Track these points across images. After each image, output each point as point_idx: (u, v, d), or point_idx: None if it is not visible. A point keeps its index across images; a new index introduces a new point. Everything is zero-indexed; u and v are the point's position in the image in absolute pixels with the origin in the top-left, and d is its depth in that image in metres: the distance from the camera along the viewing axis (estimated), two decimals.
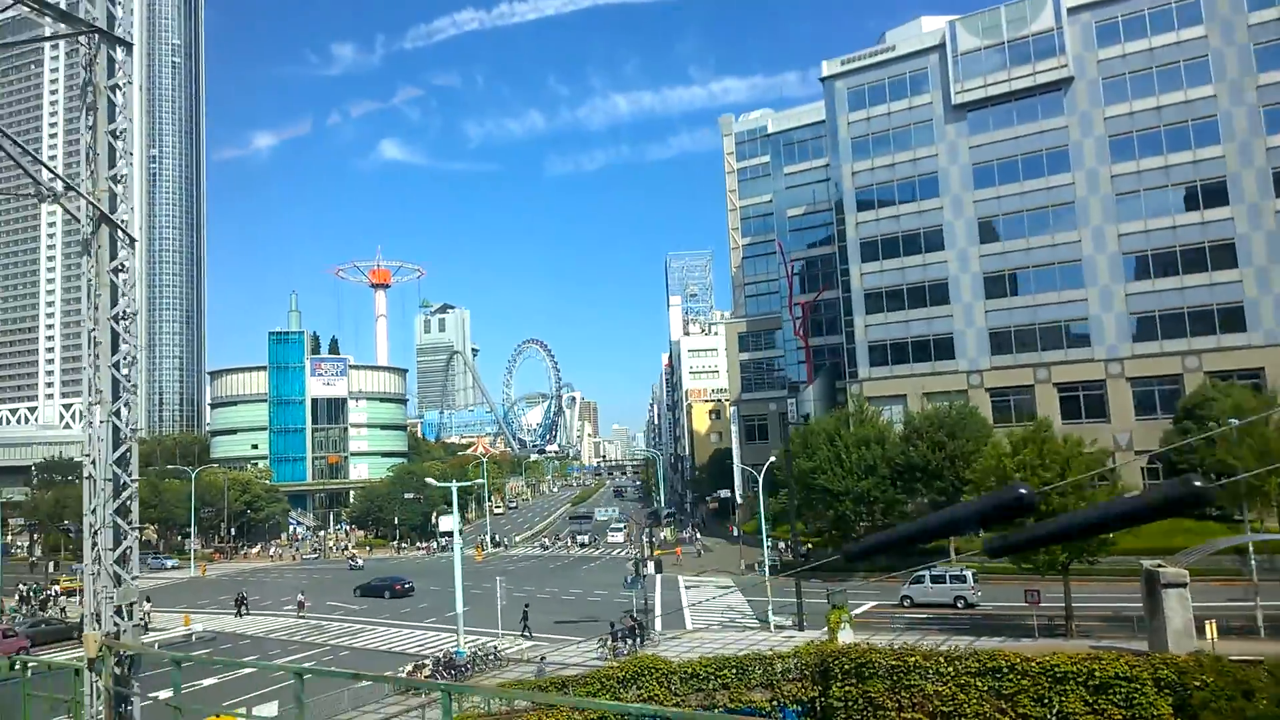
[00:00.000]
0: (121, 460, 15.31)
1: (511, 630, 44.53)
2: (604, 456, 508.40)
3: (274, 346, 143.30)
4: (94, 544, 14.74)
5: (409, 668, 34.91)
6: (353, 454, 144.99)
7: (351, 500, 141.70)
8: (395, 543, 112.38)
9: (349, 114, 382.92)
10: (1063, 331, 65.75)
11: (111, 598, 14.54)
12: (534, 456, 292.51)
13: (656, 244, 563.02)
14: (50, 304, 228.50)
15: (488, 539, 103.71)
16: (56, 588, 75.13)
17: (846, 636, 33.39)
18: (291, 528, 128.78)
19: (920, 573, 47.48)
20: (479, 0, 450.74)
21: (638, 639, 39.62)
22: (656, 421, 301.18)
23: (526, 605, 46.65)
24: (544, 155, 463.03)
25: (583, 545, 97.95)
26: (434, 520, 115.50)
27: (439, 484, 69.00)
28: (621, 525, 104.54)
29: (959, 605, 46.42)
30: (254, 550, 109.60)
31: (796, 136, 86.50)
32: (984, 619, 44.10)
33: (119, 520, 15.01)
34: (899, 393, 70.14)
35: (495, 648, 40.26)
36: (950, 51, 69.75)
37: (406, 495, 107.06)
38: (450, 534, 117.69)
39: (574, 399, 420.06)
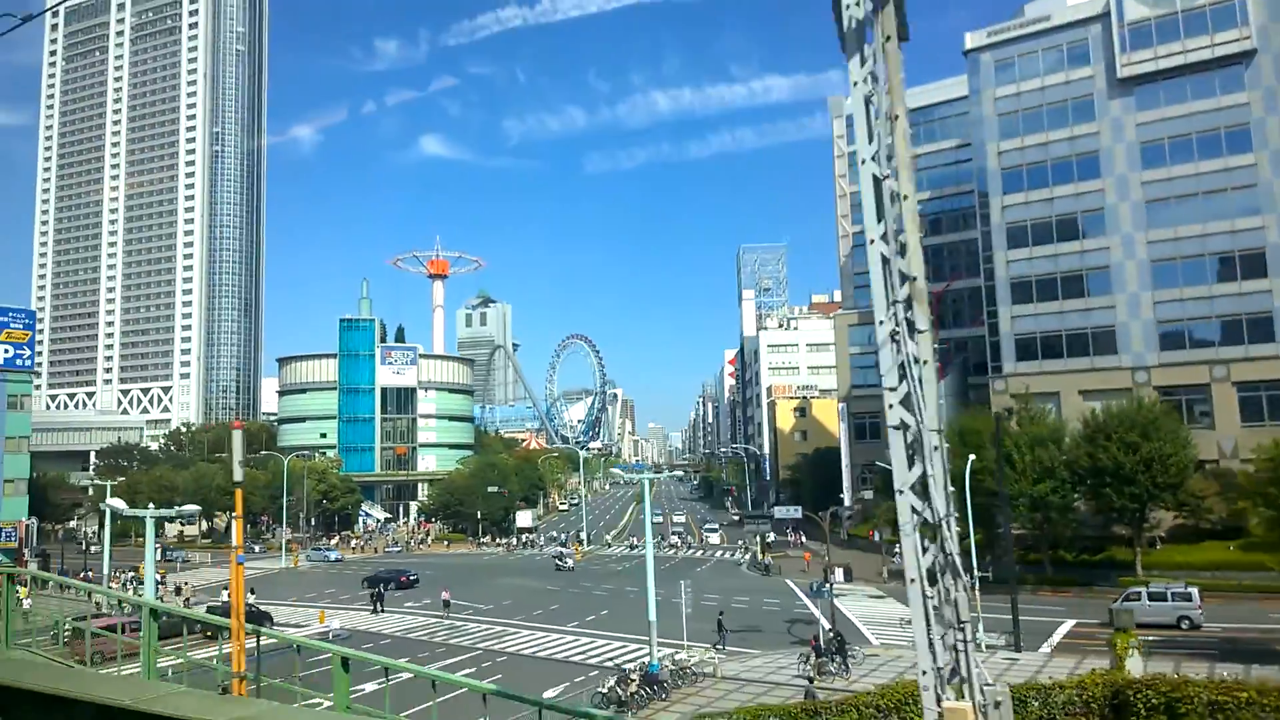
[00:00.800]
0: None
1: (699, 641, 39.98)
2: (641, 455, 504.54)
3: (344, 333, 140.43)
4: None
5: (611, 681, 30.54)
6: (421, 445, 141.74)
7: (423, 492, 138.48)
8: (475, 538, 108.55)
9: (390, 108, 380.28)
10: (1243, 326, 60.11)
11: None
12: (582, 454, 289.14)
13: (690, 241, 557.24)
14: (111, 290, 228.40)
15: (583, 537, 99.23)
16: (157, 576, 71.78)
17: (1136, 665, 28.46)
18: (362, 519, 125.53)
19: (1135, 590, 42.34)
20: None
21: (845, 657, 34.93)
22: (710, 419, 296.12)
23: (721, 614, 42.16)
24: (583, 152, 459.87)
25: (674, 546, 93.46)
26: (511, 516, 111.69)
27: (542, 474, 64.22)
28: (716, 526, 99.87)
29: (1182, 626, 41.22)
30: (333, 541, 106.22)
31: (920, 117, 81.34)
32: (1222, 642, 38.91)
33: None
34: (1050, 390, 64.82)
35: (685, 659, 35.80)
36: (1115, 21, 64.31)
37: (491, 488, 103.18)
38: (528, 530, 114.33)
39: (615, 396, 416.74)
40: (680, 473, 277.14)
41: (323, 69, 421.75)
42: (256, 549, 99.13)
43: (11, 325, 68.77)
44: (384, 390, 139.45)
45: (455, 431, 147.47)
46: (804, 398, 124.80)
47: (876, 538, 67.71)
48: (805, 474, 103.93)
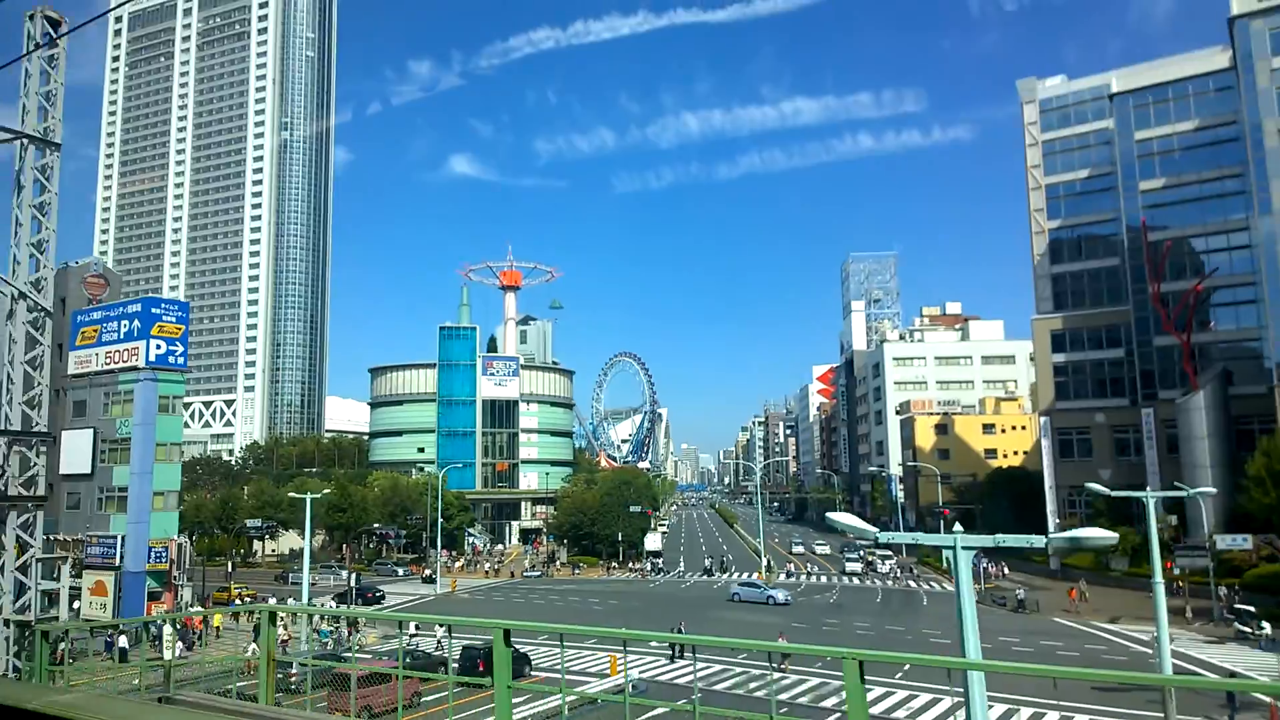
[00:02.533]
0: None
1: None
2: (679, 476, 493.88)
3: (444, 342, 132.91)
4: None
5: None
6: (523, 461, 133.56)
7: (526, 512, 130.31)
8: (606, 563, 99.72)
9: (421, 127, 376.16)
10: None
11: None
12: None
13: (722, 263, 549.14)
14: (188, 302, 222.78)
15: (764, 563, 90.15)
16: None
17: None
18: (470, 540, 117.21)
19: None
20: (556, 18, 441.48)
21: None
22: (779, 439, 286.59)
23: None
24: (613, 172, 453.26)
25: (854, 574, 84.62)
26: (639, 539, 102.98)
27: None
28: (860, 553, 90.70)
29: None
30: (458, 565, 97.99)
31: (1155, 95, 72.76)
32: None
33: None
34: None
35: None
36: None
37: (634, 508, 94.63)
38: (657, 554, 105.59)
39: (660, 415, 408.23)
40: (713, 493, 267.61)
41: (356, 90, 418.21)
42: (400, 572, 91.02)
43: (165, 318, 61.25)
44: (485, 402, 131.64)
45: (556, 447, 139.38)
46: (945, 414, 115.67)
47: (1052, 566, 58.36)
48: (974, 496, 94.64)
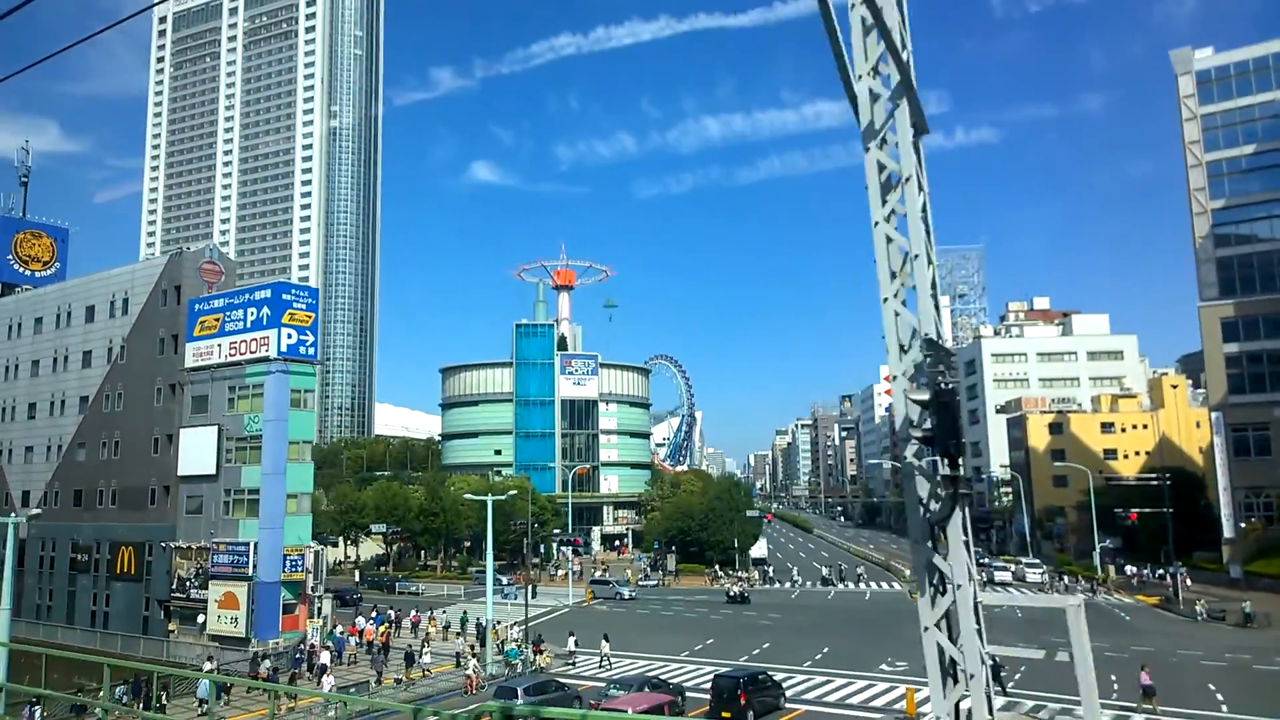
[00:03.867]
0: None
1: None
2: None
3: (520, 340, 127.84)
4: None
5: None
6: (603, 464, 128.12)
7: (608, 516, 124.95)
8: (711, 570, 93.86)
9: (442, 135, 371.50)
10: None
11: None
12: None
13: (742, 267, 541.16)
14: None
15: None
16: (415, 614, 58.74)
17: None
18: (557, 547, 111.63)
19: None
20: (577, 24, 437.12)
21: None
22: (830, 443, 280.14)
23: None
24: (633, 178, 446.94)
25: (1003, 585, 78.51)
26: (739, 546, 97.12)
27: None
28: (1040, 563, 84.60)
29: None
30: (561, 574, 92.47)
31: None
32: None
33: None
34: None
35: None
36: None
37: (750, 513, 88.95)
38: (762, 561, 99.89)
39: (696, 418, 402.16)
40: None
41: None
42: (504, 580, 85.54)
43: (295, 305, 56.22)
44: (563, 402, 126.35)
45: (635, 449, 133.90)
46: (1060, 412, 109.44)
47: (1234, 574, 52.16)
48: (1116, 499, 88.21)
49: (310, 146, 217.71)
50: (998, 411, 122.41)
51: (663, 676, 39.09)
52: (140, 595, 58.68)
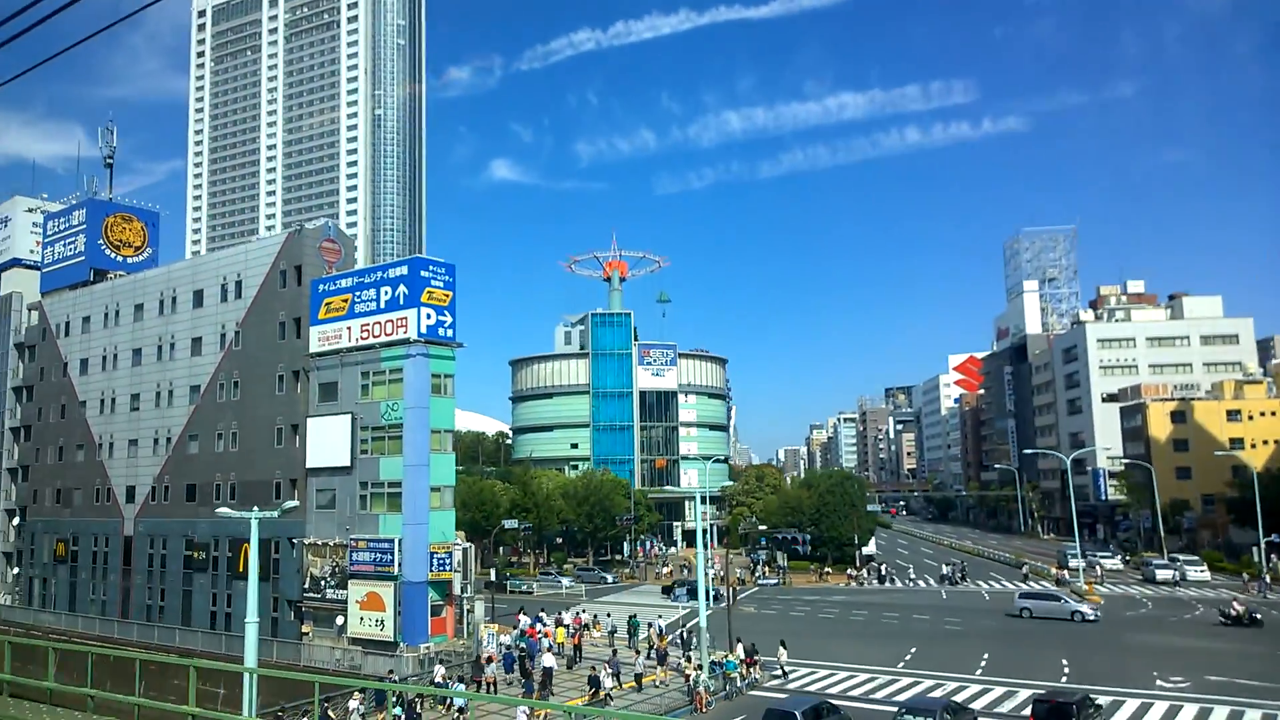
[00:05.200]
0: None
1: None
2: None
3: (595, 330, 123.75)
4: None
5: None
6: (683, 457, 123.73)
7: (689, 512, 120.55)
8: (818, 568, 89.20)
9: (462, 134, 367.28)
10: None
11: None
12: None
13: (760, 262, 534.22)
14: None
15: (1097, 566, 79.15)
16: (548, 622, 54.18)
17: None
18: (645, 544, 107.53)
19: None
20: (596, 20, 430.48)
21: None
22: (884, 436, 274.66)
23: None
24: (654, 173, 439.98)
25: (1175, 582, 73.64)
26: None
27: None
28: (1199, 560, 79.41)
29: None
30: (666, 570, 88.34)
31: None
32: None
33: None
34: None
35: None
36: None
37: (872, 508, 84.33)
38: (871, 558, 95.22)
39: (731, 412, 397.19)
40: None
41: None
42: (609, 579, 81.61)
43: (433, 283, 52.16)
44: (641, 394, 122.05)
45: (714, 442, 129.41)
46: (1182, 399, 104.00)
47: None
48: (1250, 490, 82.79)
49: (355, 139, 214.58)
50: (1105, 400, 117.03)
51: (942, 695, 34.71)
52: (267, 595, 54.73)
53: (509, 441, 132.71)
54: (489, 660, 40.38)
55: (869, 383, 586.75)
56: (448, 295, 52.61)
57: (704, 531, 41.91)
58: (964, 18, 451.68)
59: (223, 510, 29.78)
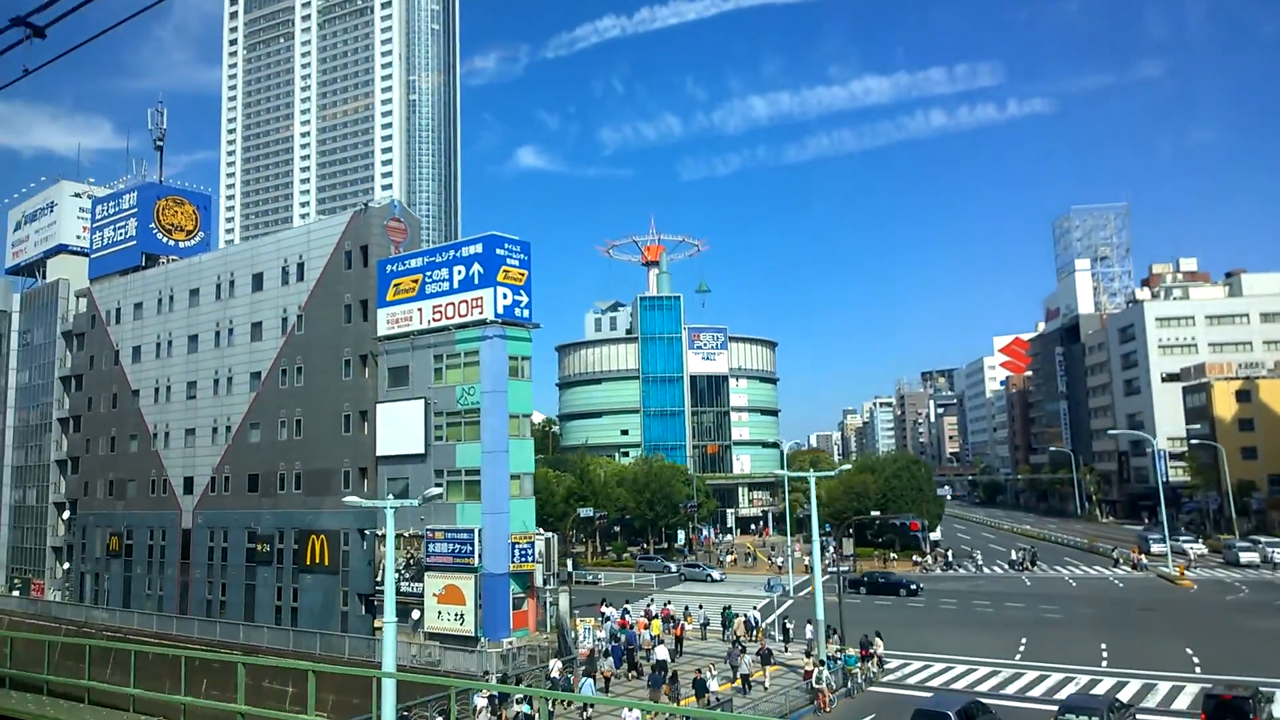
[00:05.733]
0: None
1: None
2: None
3: (644, 313, 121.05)
4: None
5: None
6: (735, 443, 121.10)
7: (744, 498, 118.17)
8: (882, 554, 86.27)
9: (488, 121, 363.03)
10: None
11: None
12: None
13: (786, 247, 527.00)
14: None
15: (1187, 550, 75.91)
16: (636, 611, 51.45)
17: None
18: (701, 532, 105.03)
19: None
20: (621, 6, 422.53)
21: None
22: (920, 419, 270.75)
23: None
24: (679, 159, 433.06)
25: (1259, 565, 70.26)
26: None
27: None
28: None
29: None
30: (730, 558, 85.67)
31: None
32: None
33: None
34: None
35: None
36: None
37: (942, 492, 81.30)
38: (937, 544, 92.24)
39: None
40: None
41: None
42: (673, 568, 79.06)
43: (508, 261, 49.64)
44: (692, 378, 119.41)
45: (765, 427, 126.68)
46: (1248, 378, 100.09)
47: None
48: None
49: (389, 127, 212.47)
50: (1165, 380, 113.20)
51: (1076, 690, 31.91)
52: (336, 588, 52.73)
53: (555, 429, 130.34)
54: (590, 655, 37.90)
55: (902, 367, 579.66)
56: (523, 274, 50.08)
57: (817, 520, 39.02)
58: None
59: (350, 499, 27.13)
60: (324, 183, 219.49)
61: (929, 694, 33.93)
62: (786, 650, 41.84)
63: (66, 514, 72.81)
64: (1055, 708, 28.44)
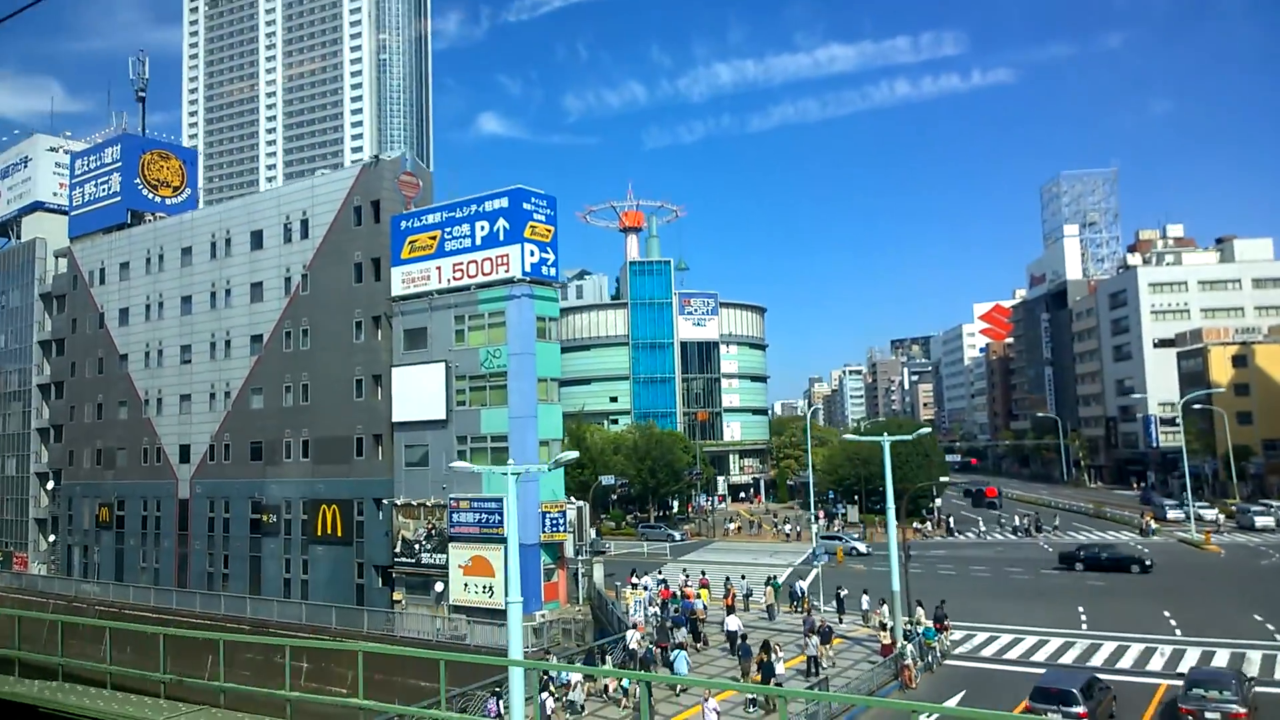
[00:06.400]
0: None
1: None
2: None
3: (634, 279, 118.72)
4: None
5: None
6: (725, 410, 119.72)
7: (735, 465, 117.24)
8: (915, 523, 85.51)
9: (450, 86, 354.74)
10: None
11: None
12: None
13: (747, 214, 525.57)
14: None
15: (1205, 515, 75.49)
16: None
17: None
18: (700, 499, 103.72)
19: None
20: None
21: None
22: (893, 388, 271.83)
23: None
24: (643, 127, 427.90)
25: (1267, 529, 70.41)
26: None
27: None
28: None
29: None
30: (734, 527, 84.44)
31: None
32: None
33: None
34: None
35: None
36: None
37: (951, 458, 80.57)
38: (935, 511, 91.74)
39: None
40: None
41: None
42: (676, 536, 77.66)
43: (534, 216, 47.15)
44: (682, 345, 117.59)
45: (755, 394, 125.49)
46: (1244, 343, 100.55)
47: None
48: None
49: (359, 85, 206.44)
50: (1157, 345, 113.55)
51: (1164, 662, 30.67)
52: (350, 560, 50.50)
53: None
54: (661, 626, 36.18)
55: (871, 337, 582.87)
56: (550, 230, 47.70)
57: (891, 490, 37.44)
58: None
59: (458, 464, 24.58)
60: (291, 144, 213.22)
61: (1015, 668, 32.75)
62: (841, 622, 40.45)
63: (50, 484, 69.44)
64: (1154, 680, 27.24)
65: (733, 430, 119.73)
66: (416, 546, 47.65)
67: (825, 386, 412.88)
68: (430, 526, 47.30)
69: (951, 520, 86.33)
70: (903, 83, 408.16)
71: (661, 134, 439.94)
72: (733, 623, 35.32)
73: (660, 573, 55.34)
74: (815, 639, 31.30)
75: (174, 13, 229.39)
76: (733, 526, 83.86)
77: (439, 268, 48.15)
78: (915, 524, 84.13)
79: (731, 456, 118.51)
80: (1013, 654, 35.72)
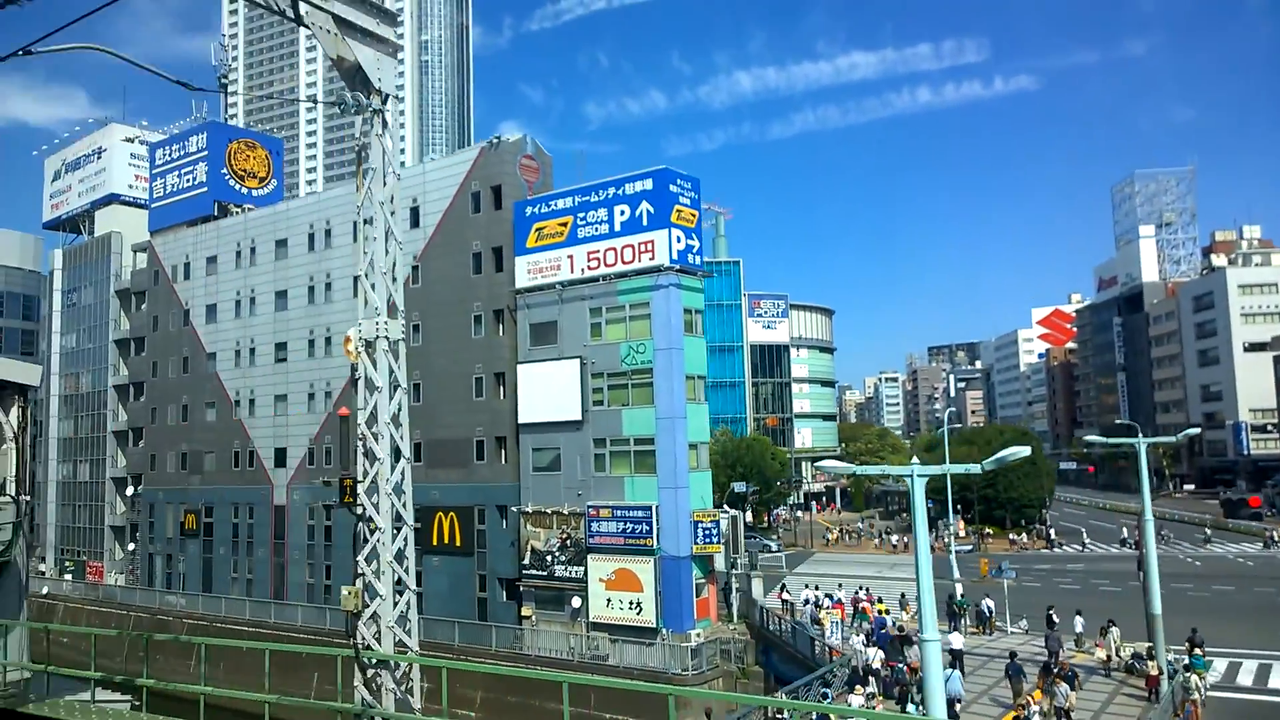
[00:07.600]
0: None
1: None
2: None
3: (705, 279, 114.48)
4: None
5: None
6: (795, 415, 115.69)
7: (808, 473, 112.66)
8: (1006, 533, 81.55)
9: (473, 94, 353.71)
10: None
11: None
12: None
13: (771, 221, 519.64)
14: None
15: None
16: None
17: None
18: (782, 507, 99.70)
19: None
20: None
21: None
22: (935, 395, 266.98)
23: None
24: (664, 135, 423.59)
25: None
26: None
27: None
28: None
29: None
30: (833, 537, 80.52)
31: None
32: None
33: None
34: None
35: None
36: None
37: (1066, 465, 76.38)
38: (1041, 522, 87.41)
39: None
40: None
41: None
42: (773, 547, 73.77)
43: (680, 199, 43.72)
44: (752, 348, 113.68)
45: (825, 399, 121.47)
46: None
47: None
48: None
49: (402, 89, 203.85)
50: (1248, 349, 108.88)
51: None
52: (471, 572, 46.91)
53: None
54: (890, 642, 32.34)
55: (898, 345, 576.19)
56: (695, 215, 44.32)
57: (1148, 488, 33.03)
58: None
59: (828, 464, 20.12)
60: (331, 146, 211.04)
61: None
62: (1062, 648, 36.17)
63: (130, 490, 66.33)
64: None
65: (803, 437, 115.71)
66: (548, 558, 44.03)
67: (858, 394, 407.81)
68: (564, 536, 43.69)
69: (1053, 532, 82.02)
70: (925, 90, 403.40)
71: (682, 142, 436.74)
72: (956, 640, 31.46)
73: (785, 587, 51.58)
74: (1064, 686, 26.34)
75: (202, 23, 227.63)
76: (831, 536, 79.86)
77: (571, 256, 44.68)
78: (1012, 535, 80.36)
79: (805, 464, 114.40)
80: (1275, 681, 31.70)
